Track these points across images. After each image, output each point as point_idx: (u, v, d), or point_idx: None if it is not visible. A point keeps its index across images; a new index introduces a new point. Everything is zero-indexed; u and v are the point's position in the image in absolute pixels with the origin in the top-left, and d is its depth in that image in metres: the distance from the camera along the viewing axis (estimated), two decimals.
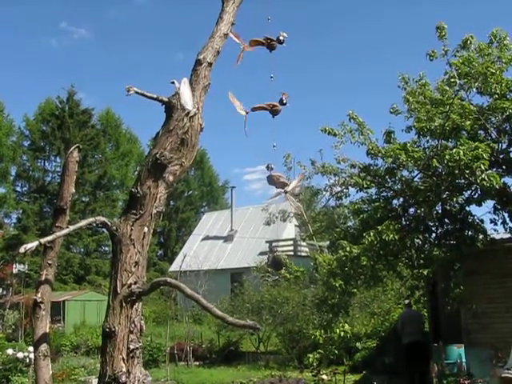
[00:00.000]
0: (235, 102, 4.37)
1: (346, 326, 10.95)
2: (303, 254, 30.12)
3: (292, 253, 29.55)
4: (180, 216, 52.17)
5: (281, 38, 4.66)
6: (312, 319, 17.18)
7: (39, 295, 3.83)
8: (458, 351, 12.01)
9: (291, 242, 31.19)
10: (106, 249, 45.83)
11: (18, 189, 46.00)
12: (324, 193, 13.43)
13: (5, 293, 30.77)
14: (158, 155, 3.70)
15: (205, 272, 23.54)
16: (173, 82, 3.84)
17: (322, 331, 10.96)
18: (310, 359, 11.28)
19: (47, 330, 3.83)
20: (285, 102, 4.56)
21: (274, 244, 29.57)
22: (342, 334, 10.73)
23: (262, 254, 28.27)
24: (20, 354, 13.57)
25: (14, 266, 32.29)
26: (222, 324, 18.84)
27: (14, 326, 23.29)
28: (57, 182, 43.07)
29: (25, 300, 23.81)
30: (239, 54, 4.47)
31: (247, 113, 4.45)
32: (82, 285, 38.67)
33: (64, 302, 26.82)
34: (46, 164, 46.03)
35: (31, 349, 13.09)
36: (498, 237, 12.24)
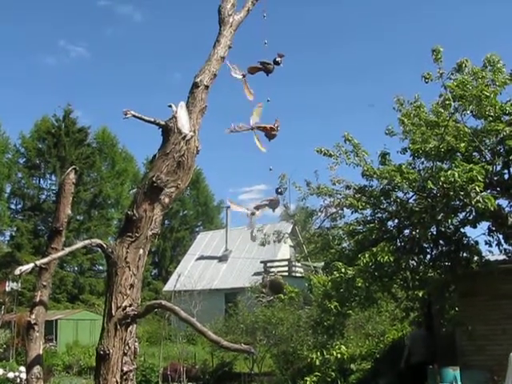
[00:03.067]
0: (256, 118, 4.41)
1: (343, 348, 10.90)
2: (298, 274, 30.05)
3: (286, 273, 29.46)
4: (175, 235, 52.05)
5: (277, 59, 4.71)
6: (306, 340, 17.06)
7: (33, 317, 3.80)
8: (453, 374, 11.93)
9: (286, 263, 31.12)
10: (100, 268, 45.60)
11: (13, 206, 45.94)
12: (319, 214, 13.45)
13: None
14: (154, 178, 3.71)
15: (199, 292, 23.41)
16: (170, 106, 3.87)
17: (319, 353, 10.88)
18: (308, 382, 11.18)
19: (40, 352, 3.80)
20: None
21: (268, 264, 29.51)
22: (339, 355, 10.68)
23: (256, 274, 28.18)
24: (11, 374, 13.42)
25: (7, 283, 32.05)
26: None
27: (5, 346, 23.07)
28: (52, 201, 42.96)
29: (17, 319, 23.64)
30: (246, 86, 4.53)
31: (253, 129, 4.48)
32: (75, 304, 38.40)
33: (57, 321, 26.63)
34: (41, 182, 46.04)
35: (22, 368, 12.96)
36: (492, 258, 12.25)
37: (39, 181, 45.96)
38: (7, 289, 30.74)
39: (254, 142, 4.44)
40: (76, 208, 42.06)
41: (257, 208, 4.66)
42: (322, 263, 15.02)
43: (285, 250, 31.70)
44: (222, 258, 34.97)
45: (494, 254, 12.35)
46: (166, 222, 50.43)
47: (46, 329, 4.03)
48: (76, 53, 74.32)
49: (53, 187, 44.61)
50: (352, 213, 12.82)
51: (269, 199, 4.60)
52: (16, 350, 22.01)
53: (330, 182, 12.83)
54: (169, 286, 31.60)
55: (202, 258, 35.94)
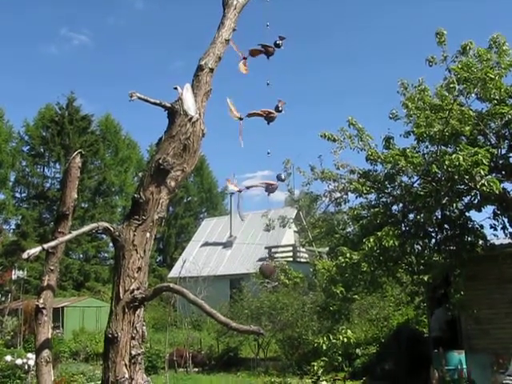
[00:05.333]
0: (232, 108, 4.40)
1: (349, 332, 10.92)
2: (302, 260, 30.08)
3: (291, 259, 29.51)
4: (179, 222, 52.13)
5: (278, 42, 4.69)
6: (311, 325, 17.14)
7: (41, 301, 3.81)
8: (458, 357, 11.98)
9: (290, 248, 31.16)
10: (106, 255, 45.77)
11: (18, 195, 45.99)
12: (323, 199, 13.44)
13: (4, 299, 30.72)
14: (160, 161, 3.71)
15: (204, 278, 23.49)
16: (176, 88, 3.86)
17: (325, 338, 10.90)
18: (315, 367, 11.21)
19: (49, 336, 3.82)
20: (280, 109, 4.60)
21: (273, 250, 29.55)
22: (345, 340, 10.71)
23: (261, 260, 28.22)
24: (19, 361, 13.49)
25: (13, 272, 32.24)
26: (222, 330, 18.80)
27: (12, 333, 23.23)
28: (56, 188, 43.00)
29: (24, 306, 23.81)
30: (241, 63, 4.51)
31: (242, 119, 4.48)
32: (81, 291, 38.57)
33: (63, 308, 26.77)
34: (46, 170, 46.00)
35: (30, 355, 13.05)
36: (497, 242, 12.25)
37: (43, 169, 45.95)
38: (13, 277, 30.92)
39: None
40: (81, 196, 42.06)
41: (248, 187, 4.67)
42: (327, 248, 15.04)
43: (289, 236, 31.72)
44: (227, 244, 35.04)
45: (498, 238, 12.33)
46: (171, 208, 50.45)
47: (52, 316, 4.05)
48: (78, 41, 74.10)
49: (57, 175, 44.63)
50: (356, 197, 12.82)
51: (267, 182, 4.60)
52: (23, 337, 22.18)
53: (334, 167, 12.83)
54: (174, 273, 31.72)
55: (206, 244, 36.02)
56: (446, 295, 12.71)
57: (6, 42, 69.18)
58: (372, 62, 75.92)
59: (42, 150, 45.00)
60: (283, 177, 4.75)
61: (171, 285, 3.71)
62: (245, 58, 4.62)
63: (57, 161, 44.44)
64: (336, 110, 71.25)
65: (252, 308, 19.38)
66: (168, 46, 78.87)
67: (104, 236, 35.90)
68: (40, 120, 45.14)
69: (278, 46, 4.70)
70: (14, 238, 41.03)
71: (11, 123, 46.46)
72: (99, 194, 45.69)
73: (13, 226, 44.80)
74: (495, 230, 11.99)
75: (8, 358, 14.11)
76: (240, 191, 4.62)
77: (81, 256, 44.22)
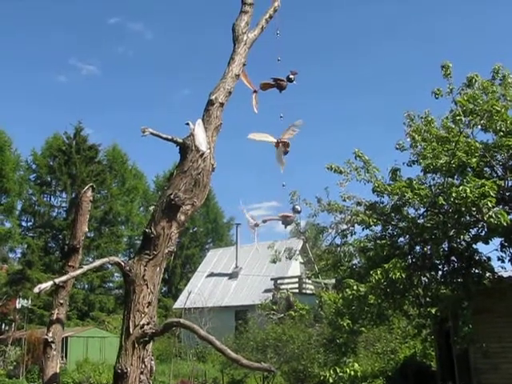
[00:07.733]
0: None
1: (356, 365, 10.78)
2: (308, 291, 29.91)
3: (297, 290, 29.34)
4: (185, 253, 51.96)
5: (291, 76, 4.74)
6: (317, 358, 16.94)
7: (50, 334, 3.80)
8: None
9: (296, 280, 30.98)
10: (111, 285, 45.57)
11: (24, 223, 45.94)
12: (330, 230, 13.42)
13: (7, 328, 30.58)
14: (172, 196, 3.73)
15: (209, 309, 23.35)
16: (187, 124, 3.89)
17: (332, 371, 10.76)
18: None
19: (57, 370, 3.80)
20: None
21: (279, 281, 29.38)
22: (353, 373, 10.57)
23: (266, 291, 28.06)
24: None
25: (18, 301, 32.12)
26: (227, 362, 18.59)
27: (15, 363, 23.03)
28: (63, 218, 43.04)
29: (27, 336, 23.64)
30: (254, 98, 4.56)
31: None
32: (85, 321, 38.28)
33: (67, 338, 26.52)
34: (52, 199, 46.03)
35: None
36: (505, 275, 12.14)
37: (50, 198, 45.97)
38: (18, 306, 30.81)
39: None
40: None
41: (264, 221, 4.67)
42: (333, 280, 14.97)
43: (295, 267, 31.57)
44: (233, 275, 34.87)
45: (506, 270, 12.24)
46: None
47: None
48: (87, 71, 75.03)
49: (63, 204, 44.73)
50: (363, 229, 12.78)
51: (284, 215, 4.60)
52: (26, 368, 21.97)
53: (340, 199, 12.83)
54: (179, 304, 31.52)
55: (212, 275, 35.87)
56: (453, 328, 12.59)
57: (14, 70, 70.13)
58: (377, 92, 76.41)
59: (49, 179, 45.15)
60: (299, 208, 4.75)
61: (181, 320, 3.69)
62: (255, 92, 4.67)
63: (63, 190, 44.53)
64: (342, 139, 71.52)
65: (257, 340, 19.19)
66: (176, 76, 79.78)
67: (109, 266, 35.72)
68: (47, 149, 45.41)
69: (290, 80, 4.75)
70: (19, 267, 40.95)
71: (19, 152, 46.80)
72: (105, 223, 45.63)
73: (18, 255, 44.79)
74: (503, 262, 11.90)
75: None
76: (257, 225, 4.62)
77: (86, 286, 44.02)
